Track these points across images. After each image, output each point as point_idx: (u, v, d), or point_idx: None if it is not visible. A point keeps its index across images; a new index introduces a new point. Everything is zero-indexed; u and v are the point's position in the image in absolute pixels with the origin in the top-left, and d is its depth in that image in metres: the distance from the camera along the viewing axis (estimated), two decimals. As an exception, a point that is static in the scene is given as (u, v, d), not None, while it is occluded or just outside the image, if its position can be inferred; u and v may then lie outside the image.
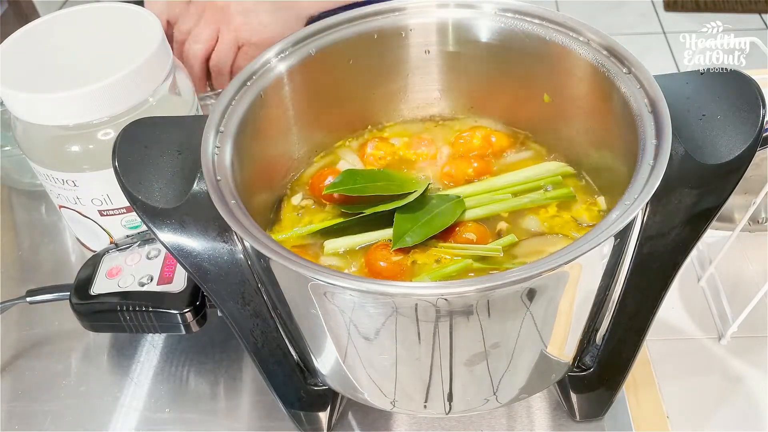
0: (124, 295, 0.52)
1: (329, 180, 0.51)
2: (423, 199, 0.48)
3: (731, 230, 0.59)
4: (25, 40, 0.57)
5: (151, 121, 0.44)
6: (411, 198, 0.47)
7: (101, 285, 0.53)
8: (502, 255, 0.44)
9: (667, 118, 0.38)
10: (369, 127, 0.57)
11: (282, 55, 0.47)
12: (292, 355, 0.46)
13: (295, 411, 0.50)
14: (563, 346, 0.44)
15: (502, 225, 0.47)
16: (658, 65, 0.47)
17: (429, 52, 0.53)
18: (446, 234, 0.47)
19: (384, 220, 0.47)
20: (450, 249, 0.45)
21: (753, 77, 0.40)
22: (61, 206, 0.60)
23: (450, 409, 0.45)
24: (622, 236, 0.39)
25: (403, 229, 0.45)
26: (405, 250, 0.45)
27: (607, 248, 0.38)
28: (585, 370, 0.49)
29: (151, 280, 0.53)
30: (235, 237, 0.40)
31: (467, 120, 0.56)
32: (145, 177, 0.41)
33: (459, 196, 0.49)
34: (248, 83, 0.46)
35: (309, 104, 0.51)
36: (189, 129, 0.43)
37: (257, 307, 0.43)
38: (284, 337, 0.45)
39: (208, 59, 0.70)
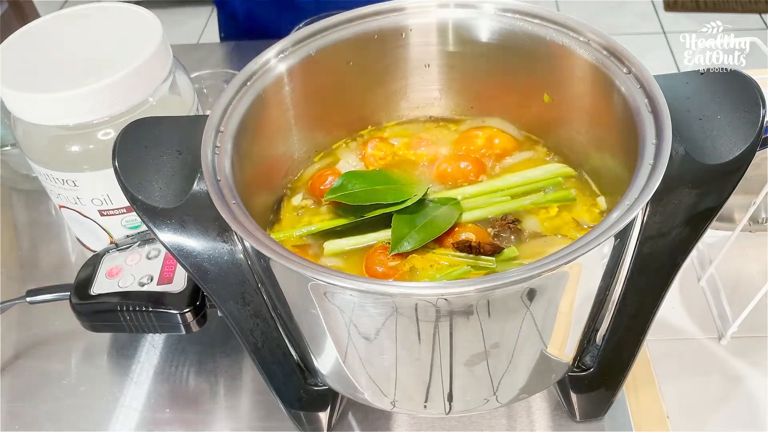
0: (124, 295, 0.52)
1: (329, 180, 0.51)
2: (421, 202, 0.48)
3: (731, 230, 0.59)
4: (25, 40, 0.57)
5: (151, 121, 0.44)
6: (410, 203, 0.47)
7: (101, 285, 0.53)
8: (495, 266, 0.44)
9: (667, 118, 0.38)
10: (369, 127, 0.57)
11: (282, 55, 0.47)
12: (292, 355, 0.46)
13: (295, 411, 0.50)
14: (563, 346, 0.44)
15: (502, 225, 0.47)
16: (658, 65, 0.47)
17: (429, 66, 0.53)
18: (445, 236, 0.47)
19: (383, 221, 0.47)
20: (448, 255, 0.45)
21: (753, 77, 0.40)
22: (61, 206, 0.60)
23: (450, 409, 0.45)
24: (622, 236, 0.39)
25: (401, 234, 0.45)
26: (403, 255, 0.45)
27: (607, 248, 0.38)
28: (585, 370, 0.49)
29: (151, 280, 0.53)
30: (235, 237, 0.40)
31: (467, 120, 0.56)
32: (145, 177, 0.41)
33: (455, 199, 0.49)
34: (248, 83, 0.46)
35: (309, 104, 0.51)
36: (189, 129, 0.43)
37: (257, 307, 0.43)
38: (284, 337, 0.45)
39: None
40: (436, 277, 0.44)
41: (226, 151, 0.42)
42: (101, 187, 0.56)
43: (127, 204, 0.50)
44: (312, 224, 0.49)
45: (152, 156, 0.42)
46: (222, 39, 1.10)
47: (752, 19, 2.20)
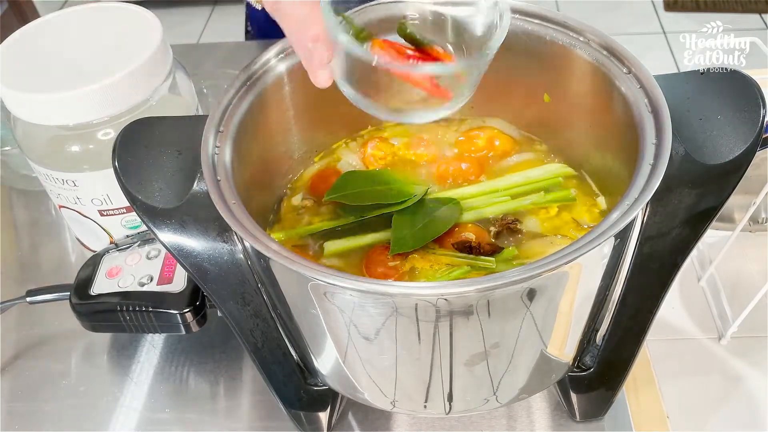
0: (124, 295, 0.52)
1: (329, 180, 0.51)
2: (421, 202, 0.48)
3: (731, 230, 0.59)
4: (25, 40, 0.57)
5: (151, 121, 0.44)
6: (410, 203, 0.47)
7: (101, 285, 0.53)
8: (495, 266, 0.44)
9: (667, 118, 0.38)
10: (369, 127, 0.57)
11: (282, 55, 0.47)
12: (292, 355, 0.46)
13: (295, 411, 0.50)
14: (563, 346, 0.44)
15: (502, 225, 0.47)
16: (658, 65, 0.47)
17: None
18: (445, 236, 0.46)
19: (383, 221, 0.47)
20: (448, 256, 0.45)
21: (753, 77, 0.40)
22: (61, 206, 0.60)
23: (450, 409, 0.45)
24: (623, 236, 0.39)
25: (401, 234, 0.45)
26: (403, 255, 0.45)
27: (607, 248, 0.38)
28: (585, 370, 0.49)
29: (151, 280, 0.53)
30: (235, 237, 0.40)
31: (467, 120, 0.56)
32: (145, 177, 0.41)
33: (455, 200, 0.49)
34: (248, 83, 0.46)
35: (309, 104, 0.51)
36: (189, 129, 0.43)
37: (257, 307, 0.43)
38: (284, 337, 0.45)
39: None
40: (435, 277, 0.44)
41: (226, 151, 0.42)
42: (101, 187, 0.56)
43: (127, 204, 0.50)
44: (312, 224, 0.49)
45: (152, 156, 0.42)
46: (247, 33, 1.10)
47: (752, 19, 2.20)
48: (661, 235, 0.39)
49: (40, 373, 0.59)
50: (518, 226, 0.47)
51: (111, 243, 0.59)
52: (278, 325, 0.44)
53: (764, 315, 0.59)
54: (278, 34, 0.45)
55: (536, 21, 0.47)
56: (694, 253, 0.63)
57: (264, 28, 1.08)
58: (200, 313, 0.52)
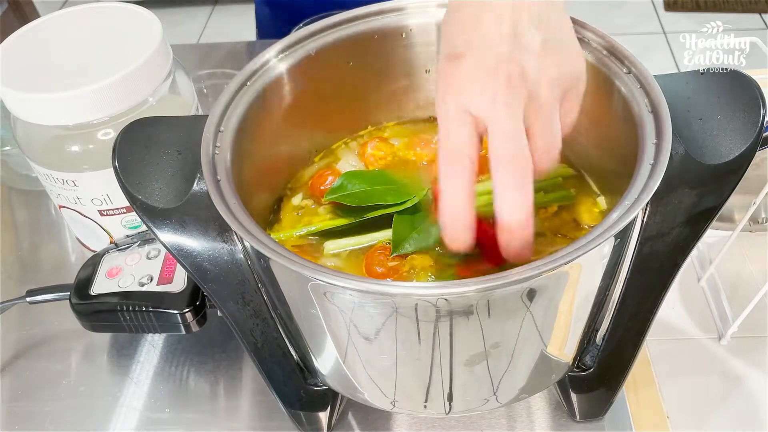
0: (124, 295, 0.52)
1: (329, 180, 0.51)
2: (421, 203, 0.48)
3: (731, 230, 0.59)
4: (25, 40, 0.57)
5: (151, 121, 0.44)
6: (410, 204, 0.47)
7: (101, 285, 0.53)
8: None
9: (667, 118, 0.38)
10: (369, 127, 0.57)
11: (282, 55, 0.47)
12: (292, 355, 0.46)
13: (295, 411, 0.50)
14: (563, 346, 0.44)
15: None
16: (658, 65, 0.47)
17: (429, 71, 0.53)
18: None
19: (383, 221, 0.47)
20: (447, 256, 0.45)
21: (753, 77, 0.40)
22: (61, 206, 0.60)
23: (450, 409, 0.45)
24: (622, 236, 0.39)
25: (402, 236, 0.45)
26: (403, 255, 0.45)
27: (607, 248, 0.38)
28: (585, 370, 0.49)
29: (151, 280, 0.53)
30: (235, 237, 0.40)
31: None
32: (145, 177, 0.41)
33: None
34: (248, 83, 0.46)
35: (309, 104, 0.51)
36: (189, 129, 0.43)
37: (257, 307, 0.43)
38: (284, 337, 0.45)
39: None
40: (436, 277, 0.44)
41: (226, 151, 0.42)
42: (101, 187, 0.56)
43: (127, 204, 0.50)
44: (312, 224, 0.49)
45: (152, 156, 0.42)
46: (257, 14, 1.10)
47: (752, 19, 2.20)
48: (661, 235, 0.39)
49: (40, 373, 0.59)
50: None
51: (111, 243, 0.59)
52: (278, 325, 0.44)
53: (764, 315, 0.60)
54: (283, 35, 0.45)
55: (536, 21, 0.47)
56: (694, 253, 0.63)
57: (270, 29, 1.09)
58: (200, 313, 0.52)
